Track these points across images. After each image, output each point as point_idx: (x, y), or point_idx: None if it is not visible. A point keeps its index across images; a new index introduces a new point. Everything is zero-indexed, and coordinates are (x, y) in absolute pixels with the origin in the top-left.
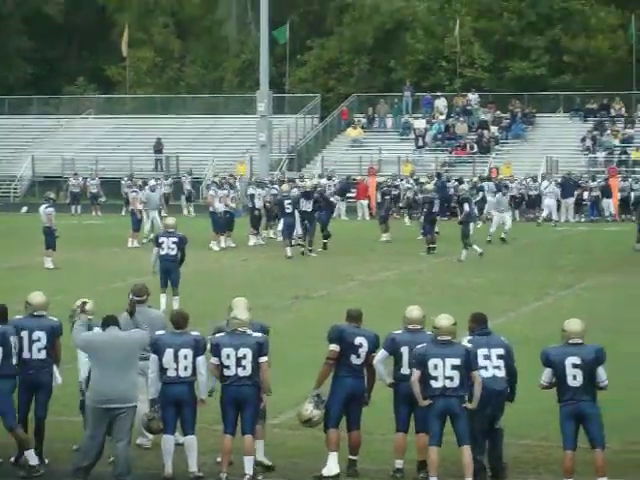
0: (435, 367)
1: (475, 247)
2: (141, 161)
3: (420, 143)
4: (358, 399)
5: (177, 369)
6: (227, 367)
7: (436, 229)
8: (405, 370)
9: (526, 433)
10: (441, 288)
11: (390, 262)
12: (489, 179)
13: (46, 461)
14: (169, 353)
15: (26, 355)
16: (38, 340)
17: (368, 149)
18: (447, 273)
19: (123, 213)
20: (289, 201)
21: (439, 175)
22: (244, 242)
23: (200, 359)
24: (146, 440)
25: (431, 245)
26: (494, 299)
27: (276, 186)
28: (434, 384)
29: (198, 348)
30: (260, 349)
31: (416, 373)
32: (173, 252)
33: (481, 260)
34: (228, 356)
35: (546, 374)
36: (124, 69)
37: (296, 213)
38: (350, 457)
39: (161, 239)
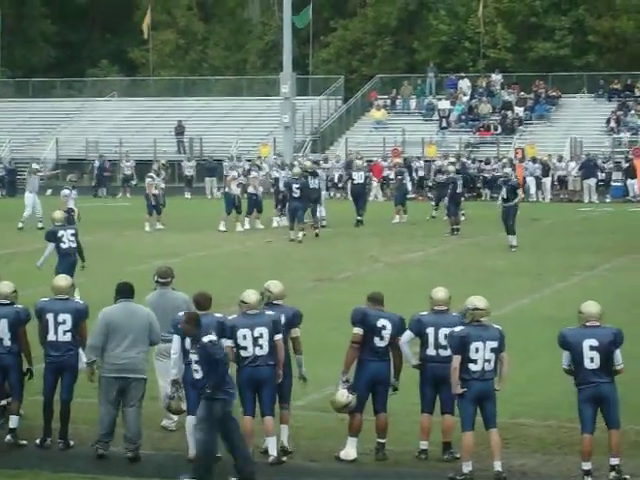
0: (476, 350)
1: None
2: (165, 143)
3: (444, 124)
4: (383, 382)
5: None
6: (244, 348)
7: (462, 211)
8: (431, 351)
9: (551, 414)
10: (465, 270)
11: (414, 244)
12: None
13: (71, 443)
14: None
15: (52, 337)
16: (63, 322)
17: (392, 130)
18: (471, 255)
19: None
20: (297, 185)
21: (458, 157)
22: (268, 224)
23: (223, 342)
24: (171, 422)
25: (455, 226)
26: (518, 280)
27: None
28: (473, 367)
29: (221, 330)
30: (276, 327)
31: (457, 359)
32: (74, 244)
33: (505, 242)
34: (244, 337)
35: (565, 357)
36: (147, 52)
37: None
38: (378, 440)
39: (60, 232)
